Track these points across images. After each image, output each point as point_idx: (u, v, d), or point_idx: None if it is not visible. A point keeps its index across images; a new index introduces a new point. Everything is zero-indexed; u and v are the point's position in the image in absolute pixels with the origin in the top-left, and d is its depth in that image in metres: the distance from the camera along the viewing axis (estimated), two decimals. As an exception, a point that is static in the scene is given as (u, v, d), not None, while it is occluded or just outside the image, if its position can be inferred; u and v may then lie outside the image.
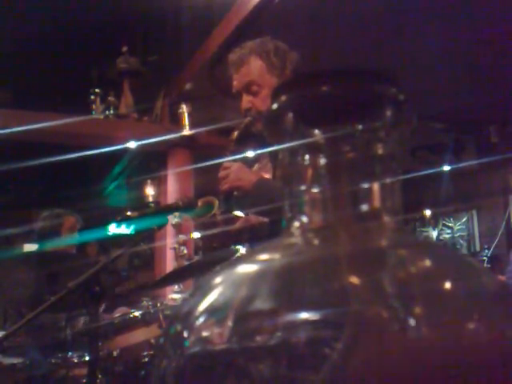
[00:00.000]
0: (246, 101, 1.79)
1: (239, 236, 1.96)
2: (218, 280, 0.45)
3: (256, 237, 1.88)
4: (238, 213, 1.84)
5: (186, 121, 4.82)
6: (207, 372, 0.41)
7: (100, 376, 2.29)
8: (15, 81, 5.13)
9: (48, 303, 1.56)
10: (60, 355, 2.48)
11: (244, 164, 1.80)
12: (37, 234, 3.20)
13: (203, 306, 0.43)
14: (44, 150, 4.61)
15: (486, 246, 6.20)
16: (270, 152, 1.89)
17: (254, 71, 1.77)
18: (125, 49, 5.03)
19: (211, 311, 0.42)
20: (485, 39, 3.83)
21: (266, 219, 1.85)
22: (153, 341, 2.38)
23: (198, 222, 1.97)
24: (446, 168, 5.92)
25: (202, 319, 0.42)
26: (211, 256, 2.97)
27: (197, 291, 0.48)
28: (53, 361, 2.49)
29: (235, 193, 1.75)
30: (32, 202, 3.41)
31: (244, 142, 1.82)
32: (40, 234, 3.18)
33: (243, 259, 0.51)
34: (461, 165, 5.72)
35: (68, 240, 3.14)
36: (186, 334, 0.42)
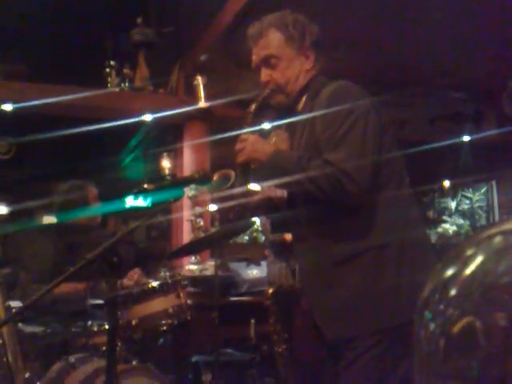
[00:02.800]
0: (265, 74, 1.78)
1: (257, 209, 1.97)
2: (473, 251, 0.51)
3: (274, 210, 1.88)
4: (254, 186, 1.84)
5: (202, 93, 4.78)
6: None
7: (119, 344, 2.35)
8: (30, 54, 5.12)
9: (67, 274, 1.58)
10: (80, 324, 2.54)
11: (261, 136, 1.80)
12: (59, 206, 3.17)
13: (461, 276, 0.49)
14: (60, 123, 4.63)
15: (505, 217, 6.13)
16: (289, 125, 1.89)
17: (273, 43, 1.76)
18: (139, 20, 4.97)
19: (470, 282, 0.48)
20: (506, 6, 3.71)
21: (284, 194, 1.85)
22: (170, 310, 2.42)
23: (215, 194, 1.98)
24: (466, 138, 5.82)
25: (460, 289, 0.48)
26: (227, 228, 2.99)
27: (450, 261, 0.54)
28: (73, 329, 2.54)
29: (252, 165, 1.75)
30: (49, 175, 3.43)
31: (261, 114, 1.82)
32: (63, 206, 3.14)
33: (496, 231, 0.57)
34: (481, 135, 5.62)
35: (90, 211, 3.15)
36: (442, 306, 0.49)
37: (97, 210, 3.21)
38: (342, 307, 1.64)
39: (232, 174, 1.89)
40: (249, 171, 1.77)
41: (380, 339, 1.59)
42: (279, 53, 1.75)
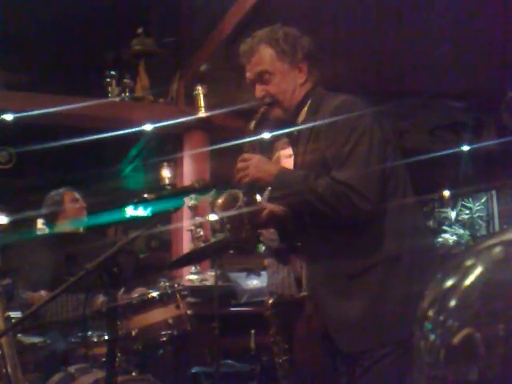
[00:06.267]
0: (260, 90, 1.79)
1: (266, 226, 1.97)
2: (472, 261, 0.51)
3: (282, 224, 1.88)
4: (259, 198, 1.85)
5: (202, 102, 4.80)
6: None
7: (119, 355, 2.34)
8: (32, 64, 5.15)
9: (67, 284, 1.58)
10: (79, 335, 2.53)
11: (262, 149, 1.80)
12: (44, 218, 3.26)
13: (461, 287, 0.50)
14: (61, 133, 4.64)
15: (505, 227, 6.13)
16: (291, 138, 1.89)
17: (265, 59, 1.78)
18: (140, 30, 4.99)
19: (469, 293, 0.49)
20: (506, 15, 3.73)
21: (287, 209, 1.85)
22: (170, 320, 2.41)
23: (224, 214, 1.97)
24: (466, 148, 5.83)
25: (459, 300, 0.49)
26: (226, 238, 2.98)
27: (449, 272, 0.54)
28: (72, 340, 2.53)
29: (258, 184, 1.76)
30: (49, 185, 3.44)
31: (262, 130, 1.83)
32: (46, 218, 3.24)
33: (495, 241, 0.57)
34: (480, 144, 5.63)
35: (80, 222, 3.19)
36: (442, 317, 0.49)
37: (89, 219, 3.24)
38: (356, 319, 1.64)
39: (239, 194, 1.89)
40: (255, 189, 1.78)
41: (394, 348, 1.59)
42: (272, 68, 1.76)
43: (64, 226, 3.16)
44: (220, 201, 1.96)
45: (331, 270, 1.70)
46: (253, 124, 1.79)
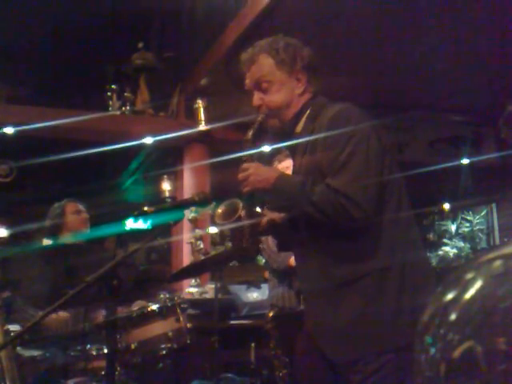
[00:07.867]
0: (257, 98, 1.81)
1: (266, 233, 1.97)
2: (472, 275, 0.52)
3: (280, 231, 1.89)
4: (258, 209, 1.86)
5: (202, 116, 4.82)
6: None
7: (118, 368, 2.32)
8: (33, 78, 5.18)
9: (66, 297, 1.57)
10: (79, 348, 2.51)
11: (262, 160, 1.81)
12: (47, 230, 3.23)
13: (461, 300, 0.50)
14: (61, 146, 4.65)
15: (505, 240, 6.12)
16: (290, 151, 1.90)
17: (264, 69, 1.80)
18: (141, 45, 5.03)
19: (470, 306, 0.49)
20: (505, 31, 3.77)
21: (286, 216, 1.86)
22: (170, 334, 2.40)
23: (225, 224, 1.98)
24: (465, 161, 5.84)
25: (460, 313, 0.49)
26: (227, 251, 2.98)
27: (450, 285, 0.54)
28: (72, 353, 2.52)
29: (257, 194, 1.77)
30: (50, 198, 3.45)
31: (259, 139, 1.83)
32: (49, 230, 3.21)
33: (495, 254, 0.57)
34: (480, 157, 5.64)
35: (83, 234, 3.17)
36: (443, 330, 0.49)
37: (93, 232, 3.22)
38: (343, 329, 1.64)
39: (239, 204, 1.89)
40: (254, 198, 1.78)
41: (384, 363, 1.58)
42: (270, 77, 1.79)
43: (67, 238, 3.14)
44: (219, 210, 1.97)
45: (321, 280, 1.70)
46: (250, 133, 1.80)
